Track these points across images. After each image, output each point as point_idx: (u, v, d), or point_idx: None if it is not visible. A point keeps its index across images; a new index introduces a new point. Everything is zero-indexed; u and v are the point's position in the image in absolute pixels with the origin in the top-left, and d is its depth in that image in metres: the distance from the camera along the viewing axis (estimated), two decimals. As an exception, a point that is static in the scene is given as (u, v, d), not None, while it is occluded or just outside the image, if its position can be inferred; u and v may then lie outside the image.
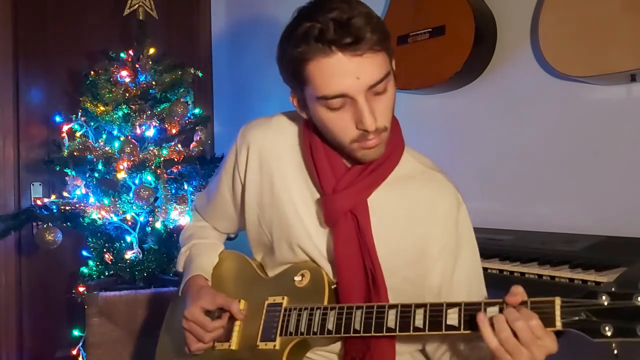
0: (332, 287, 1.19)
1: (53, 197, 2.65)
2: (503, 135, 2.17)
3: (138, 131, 2.66)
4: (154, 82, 2.71)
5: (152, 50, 2.77)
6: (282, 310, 1.21)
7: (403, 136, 1.25)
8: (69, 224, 2.57)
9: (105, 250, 2.62)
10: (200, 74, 3.01)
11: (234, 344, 1.26)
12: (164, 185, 2.61)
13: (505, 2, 2.15)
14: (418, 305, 1.05)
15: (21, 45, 3.10)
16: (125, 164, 2.59)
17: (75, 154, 2.58)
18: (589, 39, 1.76)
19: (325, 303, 1.16)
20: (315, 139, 1.19)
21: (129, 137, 2.63)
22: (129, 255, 2.60)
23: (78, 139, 2.63)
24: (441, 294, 1.19)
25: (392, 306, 1.07)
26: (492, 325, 0.96)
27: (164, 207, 2.61)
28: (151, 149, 2.67)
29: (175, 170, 2.69)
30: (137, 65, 2.71)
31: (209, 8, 3.61)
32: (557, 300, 0.94)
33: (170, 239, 2.64)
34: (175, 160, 2.70)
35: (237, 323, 1.27)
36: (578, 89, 1.94)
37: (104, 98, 2.63)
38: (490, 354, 0.98)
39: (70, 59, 3.14)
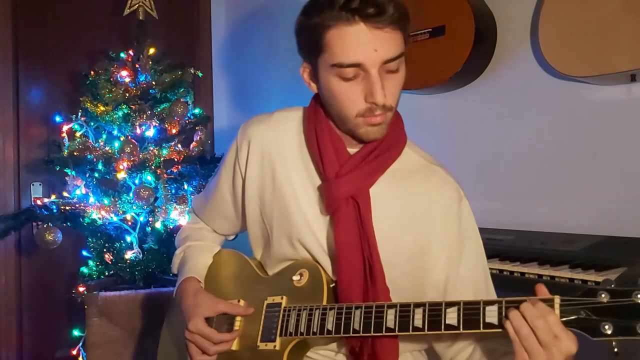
0: (331, 285, 1.19)
1: (53, 197, 2.65)
2: (503, 135, 2.18)
3: (138, 131, 2.66)
4: (154, 82, 2.71)
5: (152, 50, 2.76)
6: (282, 310, 1.20)
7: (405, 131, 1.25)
8: (69, 224, 2.57)
9: (105, 250, 2.62)
10: (200, 74, 3.01)
11: (234, 345, 1.26)
12: (164, 185, 2.61)
13: (505, 2, 2.15)
14: (417, 305, 1.04)
15: (21, 45, 3.10)
16: (125, 164, 2.59)
17: (75, 154, 2.58)
18: (589, 39, 1.76)
19: (324, 302, 1.16)
20: (321, 123, 1.20)
21: (129, 137, 2.63)
22: (129, 255, 2.60)
23: (78, 139, 2.63)
24: (447, 290, 1.18)
25: (391, 306, 1.07)
26: (510, 321, 0.94)
27: (164, 207, 2.61)
28: (151, 149, 2.67)
29: (175, 170, 2.69)
30: (137, 65, 2.70)
31: (209, 8, 3.61)
32: (557, 299, 0.93)
33: (170, 239, 2.63)
34: (175, 160, 2.70)
35: (237, 324, 1.27)
36: (578, 89, 1.94)
37: (104, 98, 2.63)
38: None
39: (70, 59, 3.14)
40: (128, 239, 2.63)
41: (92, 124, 2.68)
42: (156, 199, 2.60)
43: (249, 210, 1.31)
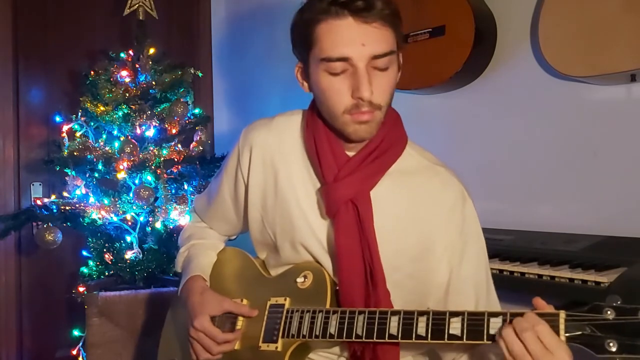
0: (335, 289, 1.19)
1: (53, 197, 2.65)
2: (503, 135, 2.18)
3: (138, 131, 2.66)
4: (154, 82, 2.71)
5: (152, 50, 2.76)
6: (284, 312, 1.20)
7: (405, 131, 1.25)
8: (69, 224, 2.57)
9: (105, 250, 2.62)
10: (200, 74, 3.01)
11: (236, 344, 1.26)
12: (164, 185, 2.61)
13: (505, 2, 2.15)
14: (421, 313, 1.04)
15: (21, 45, 3.10)
16: (125, 164, 2.59)
17: (75, 154, 2.58)
18: (589, 39, 1.76)
19: (328, 305, 1.16)
20: (319, 127, 1.19)
21: (129, 137, 2.63)
22: (129, 255, 2.60)
23: (78, 139, 2.63)
24: (449, 290, 1.18)
25: (394, 312, 1.07)
26: (502, 338, 0.94)
27: (164, 207, 2.61)
28: (151, 149, 2.67)
29: (175, 170, 2.68)
30: (137, 65, 2.70)
31: (209, 8, 3.61)
32: (562, 314, 0.92)
33: (170, 239, 2.63)
34: (175, 160, 2.69)
35: (240, 324, 1.27)
36: (578, 89, 1.94)
37: (104, 98, 2.63)
38: None
39: (70, 59, 3.14)
40: (128, 239, 2.63)
41: (92, 124, 2.68)
42: (156, 199, 2.60)
43: (251, 215, 1.30)
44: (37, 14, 3.15)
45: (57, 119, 2.70)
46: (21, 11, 3.09)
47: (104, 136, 2.70)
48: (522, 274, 1.72)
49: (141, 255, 2.61)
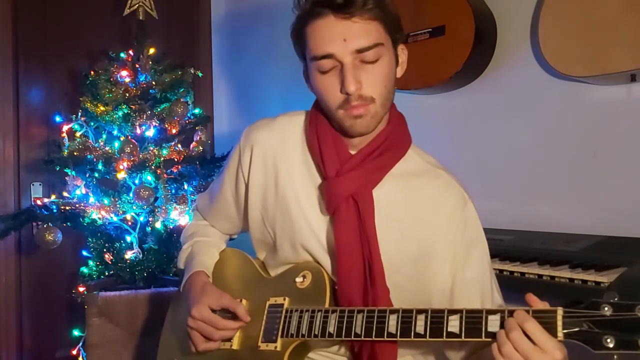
0: (334, 288, 1.19)
1: (53, 197, 2.65)
2: (503, 135, 2.18)
3: (138, 131, 2.66)
4: (154, 82, 2.71)
5: (152, 50, 2.76)
6: (284, 312, 1.21)
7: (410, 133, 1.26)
8: (69, 224, 2.57)
9: (105, 250, 2.62)
10: (200, 74, 3.01)
11: (235, 343, 1.26)
12: (164, 185, 2.61)
13: (505, 2, 2.15)
14: (419, 311, 1.04)
15: (21, 45, 3.10)
16: (125, 164, 2.59)
17: (75, 154, 2.58)
18: (589, 39, 1.76)
19: (327, 305, 1.16)
20: (323, 124, 1.20)
21: (129, 137, 2.62)
22: (129, 255, 2.60)
23: (78, 139, 2.63)
24: (454, 294, 1.18)
25: (393, 311, 1.07)
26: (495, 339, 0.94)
27: (164, 207, 2.61)
28: (151, 149, 2.67)
29: (175, 170, 2.68)
30: (137, 65, 2.70)
31: (209, 8, 3.61)
32: (559, 311, 0.93)
33: (170, 239, 2.64)
34: (175, 160, 2.69)
35: (240, 323, 1.27)
36: (578, 89, 1.94)
37: (104, 98, 2.63)
38: None
39: (70, 59, 3.14)
40: (128, 239, 2.63)
41: (92, 124, 2.68)
42: (156, 199, 2.60)
43: (252, 215, 1.31)
44: (37, 14, 3.15)
45: (57, 119, 2.70)
46: (21, 11, 3.10)
47: (104, 136, 2.70)
48: (522, 274, 1.72)
49: (141, 255, 2.61)
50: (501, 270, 1.76)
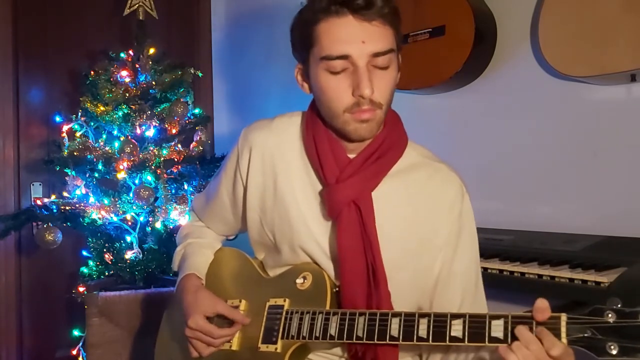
0: (335, 290, 1.19)
1: (53, 197, 2.65)
2: (503, 135, 2.18)
3: (138, 131, 2.66)
4: (154, 82, 2.71)
5: (152, 50, 2.76)
6: (284, 313, 1.20)
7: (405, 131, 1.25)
8: (69, 224, 2.57)
9: (105, 250, 2.62)
10: (200, 74, 3.01)
11: (235, 344, 1.26)
12: (164, 185, 2.61)
13: (505, 2, 2.15)
14: (422, 315, 1.04)
15: (21, 45, 3.10)
16: (125, 164, 2.59)
17: (75, 154, 2.58)
18: (589, 39, 1.76)
19: (328, 307, 1.16)
20: (319, 128, 1.19)
21: (129, 137, 2.62)
22: (129, 255, 2.60)
23: (78, 139, 2.63)
24: (437, 284, 1.19)
25: (395, 314, 1.07)
26: (512, 349, 0.94)
27: (164, 207, 2.61)
28: (151, 149, 2.67)
29: (175, 170, 2.68)
30: (137, 65, 2.70)
31: (209, 8, 3.61)
32: (563, 317, 0.93)
33: (170, 239, 2.63)
34: (175, 160, 2.69)
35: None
36: (578, 89, 1.94)
37: (104, 98, 2.63)
38: None
39: (70, 59, 3.14)
40: (128, 239, 2.63)
41: (92, 124, 2.68)
42: (156, 199, 2.60)
43: (250, 216, 1.30)
44: (37, 14, 3.15)
45: (57, 119, 2.70)
46: (21, 11, 3.09)
47: (104, 136, 2.70)
48: (522, 274, 1.72)
49: (141, 255, 2.61)
50: (501, 270, 1.76)
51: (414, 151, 1.25)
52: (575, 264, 1.66)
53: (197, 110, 2.87)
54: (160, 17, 2.87)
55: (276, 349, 1.18)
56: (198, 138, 2.84)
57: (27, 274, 3.09)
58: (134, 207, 2.58)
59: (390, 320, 1.06)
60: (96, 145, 2.64)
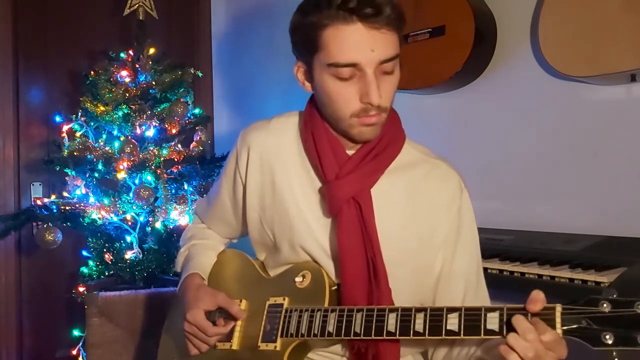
0: (333, 288, 1.19)
1: (53, 197, 2.65)
2: (503, 135, 2.18)
3: (138, 131, 2.66)
4: (154, 82, 2.71)
5: (152, 50, 2.76)
6: (283, 312, 1.21)
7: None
8: (69, 224, 2.57)
9: (105, 250, 2.62)
10: (200, 74, 3.01)
11: (235, 344, 1.26)
12: (164, 185, 2.61)
13: (505, 2, 2.15)
14: (418, 310, 1.04)
15: (21, 45, 3.10)
16: (125, 164, 2.59)
17: (75, 154, 2.58)
18: (589, 39, 1.76)
19: (326, 304, 1.16)
20: (318, 126, 1.20)
21: (129, 137, 2.63)
22: (129, 255, 2.60)
23: (78, 139, 2.63)
24: (439, 282, 1.20)
25: (392, 310, 1.07)
26: (510, 345, 0.94)
27: (164, 207, 2.61)
28: (151, 149, 2.67)
29: (175, 170, 2.68)
30: (137, 65, 2.70)
31: (209, 8, 3.61)
32: (558, 307, 0.93)
33: (170, 239, 2.64)
34: (175, 160, 2.69)
35: (239, 323, 1.28)
36: (578, 89, 1.94)
37: (104, 98, 2.63)
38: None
39: (70, 59, 3.14)
40: (128, 239, 2.63)
41: (92, 124, 2.68)
42: (156, 199, 2.60)
43: (250, 217, 1.31)
44: (37, 14, 3.15)
45: (57, 119, 2.70)
46: (21, 11, 3.10)
47: (104, 136, 2.70)
48: (522, 274, 1.72)
49: (141, 255, 2.61)
50: (501, 270, 1.76)
51: (413, 149, 1.26)
52: (575, 264, 1.66)
53: (197, 110, 2.87)
54: (160, 17, 2.87)
55: (275, 347, 1.18)
56: (198, 138, 2.84)
57: (27, 274, 3.09)
58: (134, 207, 2.58)
59: (387, 315, 1.06)
60: (96, 145, 2.65)
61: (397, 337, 1.06)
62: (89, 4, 3.25)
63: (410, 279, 1.19)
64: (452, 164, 1.27)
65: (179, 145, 2.80)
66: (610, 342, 0.87)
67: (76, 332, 2.65)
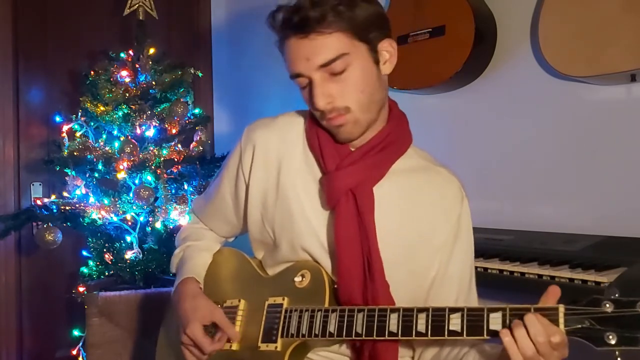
0: (334, 287, 1.19)
1: (53, 197, 2.64)
2: (503, 135, 2.18)
3: (138, 131, 2.66)
4: (154, 82, 2.71)
5: (152, 50, 2.76)
6: (283, 312, 1.20)
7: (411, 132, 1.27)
8: (69, 224, 2.57)
9: (105, 250, 2.62)
10: (200, 74, 3.01)
11: (234, 344, 1.26)
12: (164, 185, 2.61)
13: (505, 2, 2.15)
14: (420, 310, 1.04)
15: (21, 45, 3.10)
16: (125, 164, 2.59)
17: (75, 154, 2.58)
18: (589, 39, 1.76)
19: (326, 304, 1.16)
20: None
21: (129, 137, 2.63)
22: (129, 255, 2.60)
23: (78, 139, 2.63)
24: (433, 284, 1.20)
25: (394, 310, 1.07)
26: (514, 338, 0.94)
27: (164, 207, 2.61)
28: (151, 149, 2.67)
29: (175, 170, 2.68)
30: (137, 65, 2.70)
31: (209, 8, 3.61)
32: (561, 308, 0.93)
33: (170, 239, 2.63)
34: (175, 160, 2.69)
35: (238, 323, 1.27)
36: (578, 89, 1.94)
37: (104, 98, 2.63)
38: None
39: (70, 59, 3.14)
40: (128, 239, 2.63)
41: (92, 124, 2.68)
42: (156, 199, 2.60)
43: (251, 215, 1.30)
44: (37, 14, 3.15)
45: (57, 119, 2.70)
46: (21, 11, 3.09)
47: (104, 136, 2.70)
48: (522, 274, 1.72)
49: (141, 255, 2.61)
50: (501, 270, 1.76)
51: (416, 154, 1.27)
52: (575, 264, 1.66)
53: (197, 110, 2.87)
54: (160, 17, 2.87)
55: (276, 347, 1.18)
56: (198, 138, 2.84)
57: (27, 274, 3.09)
58: (134, 207, 2.58)
59: (389, 315, 1.06)
60: (96, 145, 2.65)
61: (399, 337, 1.06)
62: (89, 4, 3.25)
63: (405, 281, 1.19)
64: (453, 171, 1.28)
65: (179, 145, 2.80)
66: (613, 342, 0.88)
67: (76, 332, 2.65)
